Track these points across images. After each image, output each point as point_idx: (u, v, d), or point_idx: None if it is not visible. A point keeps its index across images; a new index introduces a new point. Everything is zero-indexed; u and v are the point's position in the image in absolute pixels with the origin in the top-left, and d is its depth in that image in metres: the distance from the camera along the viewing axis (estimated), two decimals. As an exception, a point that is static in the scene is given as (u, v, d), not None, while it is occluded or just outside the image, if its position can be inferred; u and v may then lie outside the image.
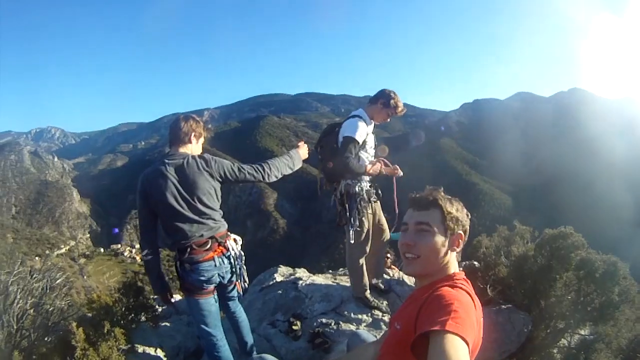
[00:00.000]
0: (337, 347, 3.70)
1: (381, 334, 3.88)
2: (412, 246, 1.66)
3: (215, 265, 2.90)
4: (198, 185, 2.84)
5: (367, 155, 4.07)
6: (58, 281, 3.85)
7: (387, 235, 4.42)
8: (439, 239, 1.63)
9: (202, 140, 3.12)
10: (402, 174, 4.26)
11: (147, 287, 3.82)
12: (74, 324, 2.52)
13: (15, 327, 3.10)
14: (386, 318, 4.28)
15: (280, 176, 3.23)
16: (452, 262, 1.68)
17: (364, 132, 3.91)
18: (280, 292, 4.79)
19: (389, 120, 4.10)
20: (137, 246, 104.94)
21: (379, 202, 4.27)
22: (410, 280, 5.32)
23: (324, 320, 4.15)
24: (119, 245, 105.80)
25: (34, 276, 3.68)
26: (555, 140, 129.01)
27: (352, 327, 4.03)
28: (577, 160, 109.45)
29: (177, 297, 3.39)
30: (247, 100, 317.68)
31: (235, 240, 3.11)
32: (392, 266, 5.53)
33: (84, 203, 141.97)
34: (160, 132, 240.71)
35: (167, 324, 4.32)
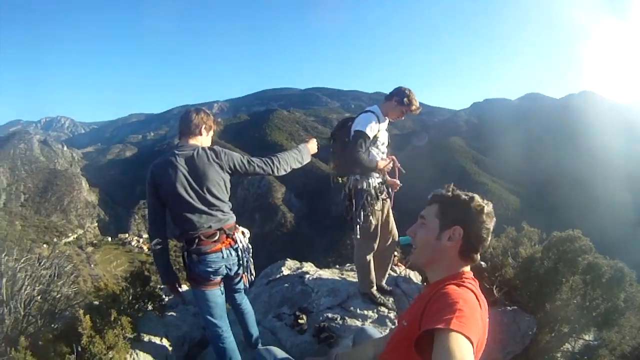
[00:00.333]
0: (342, 342, 3.69)
1: (387, 330, 3.89)
2: (413, 238, 1.77)
3: (223, 257, 2.90)
4: (208, 177, 2.84)
5: (378, 152, 4.05)
6: (66, 269, 3.87)
7: (395, 234, 4.40)
8: (431, 231, 1.69)
9: (211, 133, 3.13)
10: (399, 187, 4.26)
11: (154, 276, 3.84)
12: (81, 311, 2.53)
13: (22, 313, 3.12)
14: (392, 315, 4.28)
15: (289, 170, 3.23)
16: (458, 260, 1.67)
17: (376, 127, 3.89)
18: (286, 285, 4.81)
19: (403, 117, 4.07)
20: (145, 236, 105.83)
21: (389, 200, 4.25)
22: (416, 278, 5.32)
23: (329, 315, 4.15)
24: (127, 235, 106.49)
25: (42, 263, 3.71)
26: (564, 142, 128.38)
27: (358, 323, 4.04)
28: (585, 163, 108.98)
29: (184, 287, 3.39)
30: (256, 94, 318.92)
31: (243, 232, 3.12)
32: (399, 263, 5.53)
33: (93, 192, 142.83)
34: (170, 124, 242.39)
35: (174, 314, 4.34)
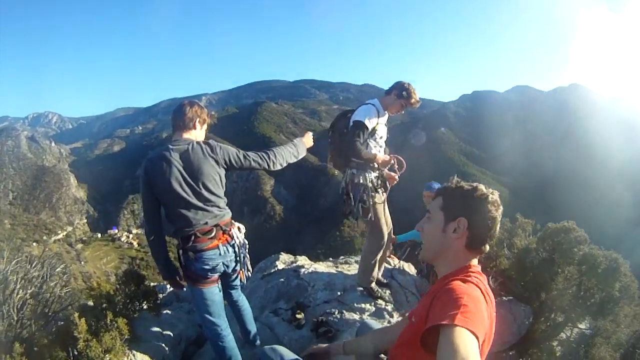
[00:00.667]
0: (341, 336, 3.68)
1: (385, 323, 3.90)
2: (421, 233, 1.81)
3: (220, 254, 2.85)
4: (203, 172, 2.78)
5: (376, 145, 4.04)
6: (57, 269, 3.81)
7: (391, 227, 4.36)
8: (435, 225, 1.71)
9: (205, 126, 3.07)
10: (396, 181, 4.23)
11: (145, 271, 3.79)
12: (76, 314, 2.48)
13: (15, 318, 3.06)
14: (390, 307, 4.28)
15: (285, 164, 3.18)
16: (465, 252, 1.67)
17: (375, 120, 3.90)
18: (282, 280, 4.77)
19: (402, 112, 4.08)
20: (135, 231, 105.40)
21: (386, 194, 4.21)
22: (411, 269, 5.33)
23: (327, 309, 4.13)
24: (116, 231, 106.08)
25: (33, 265, 3.64)
26: (552, 135, 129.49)
27: (356, 316, 4.03)
28: (575, 155, 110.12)
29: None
30: (245, 87, 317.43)
31: (239, 228, 3.07)
32: (392, 255, 5.53)
33: (81, 188, 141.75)
34: (158, 117, 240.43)
35: (169, 312, 4.29)
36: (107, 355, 2.51)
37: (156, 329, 3.62)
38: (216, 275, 2.93)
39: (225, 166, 2.92)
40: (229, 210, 3.00)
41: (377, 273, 4.51)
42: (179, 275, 2.98)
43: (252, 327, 3.47)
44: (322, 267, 5.22)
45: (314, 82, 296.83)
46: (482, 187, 1.68)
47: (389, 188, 4.21)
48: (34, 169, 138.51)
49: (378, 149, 4.06)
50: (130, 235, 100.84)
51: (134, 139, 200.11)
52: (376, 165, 4.01)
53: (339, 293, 4.43)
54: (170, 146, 2.80)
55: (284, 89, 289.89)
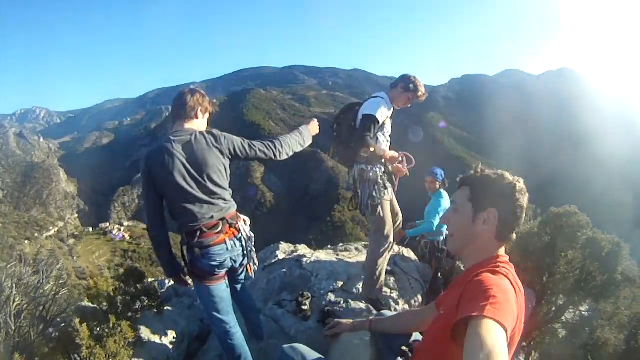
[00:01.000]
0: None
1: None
2: (448, 225, 1.76)
3: (227, 249, 2.73)
4: (208, 163, 2.65)
5: (384, 139, 3.94)
6: (54, 273, 3.70)
7: (400, 217, 4.30)
8: (464, 216, 1.67)
9: (207, 115, 2.94)
10: (407, 173, 4.08)
11: (138, 264, 3.68)
12: (77, 320, 2.37)
13: (13, 327, 2.94)
14: (395, 295, 4.26)
15: (291, 153, 3.07)
16: (494, 242, 1.63)
17: (386, 113, 3.79)
18: (284, 270, 4.70)
19: (409, 105, 3.97)
20: (126, 224, 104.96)
21: (395, 190, 4.11)
22: (411, 255, 5.31)
23: (332, 299, 4.08)
24: (108, 224, 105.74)
25: (28, 266, 3.53)
26: (543, 118, 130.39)
27: (362, 305, 3.99)
28: (564, 138, 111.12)
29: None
30: (233, 74, 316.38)
31: (244, 220, 2.95)
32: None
33: (71, 183, 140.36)
34: (146, 108, 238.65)
35: (169, 308, 4.22)
36: (111, 360, 2.41)
37: (159, 328, 3.54)
38: (224, 272, 2.82)
39: (230, 156, 2.80)
40: (234, 203, 2.88)
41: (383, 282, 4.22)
42: (183, 272, 2.87)
43: (258, 321, 3.40)
44: (323, 255, 5.18)
45: (302, 67, 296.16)
46: (508, 174, 1.64)
47: (396, 184, 4.12)
48: (23, 166, 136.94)
49: (386, 143, 3.97)
50: (122, 228, 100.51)
51: (123, 131, 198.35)
52: (384, 161, 3.91)
53: (343, 282, 4.37)
54: (172, 137, 2.66)
55: (272, 75, 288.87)
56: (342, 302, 4.01)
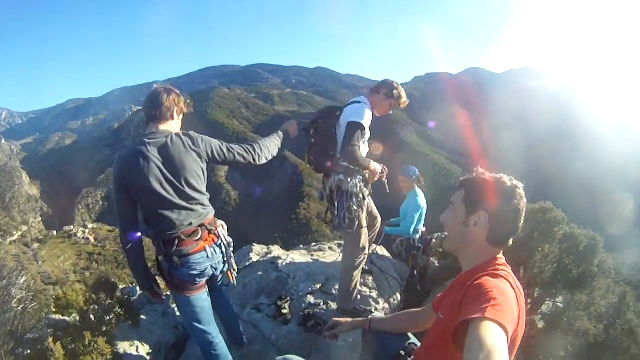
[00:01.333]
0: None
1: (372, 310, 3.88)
2: (445, 224, 1.78)
3: (208, 257, 2.60)
4: (185, 167, 2.49)
5: (365, 148, 3.67)
6: (20, 283, 3.49)
7: (379, 219, 4.15)
8: (457, 217, 1.69)
9: (182, 116, 2.77)
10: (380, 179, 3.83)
11: (103, 267, 3.52)
12: (50, 339, 2.23)
13: (-18, 348, 2.72)
14: (374, 294, 4.23)
15: (270, 157, 2.99)
16: (487, 246, 1.63)
17: (369, 120, 3.55)
18: (260, 273, 4.60)
19: (391, 112, 3.79)
20: (90, 226, 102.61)
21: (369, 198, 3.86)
22: (384, 252, 5.31)
23: (312, 301, 4.02)
24: (72, 227, 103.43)
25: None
26: (503, 115, 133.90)
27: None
28: (525, 134, 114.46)
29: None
30: (196, 73, 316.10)
31: (222, 226, 2.81)
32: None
33: (34, 185, 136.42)
34: (109, 108, 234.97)
35: (143, 317, 4.03)
36: (87, 380, 2.28)
37: (134, 339, 3.40)
38: (204, 280, 2.70)
39: (207, 160, 2.65)
40: (212, 208, 2.74)
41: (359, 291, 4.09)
42: (157, 285, 2.70)
43: (238, 327, 3.32)
44: (297, 256, 5.10)
45: (266, 66, 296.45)
46: (505, 178, 1.63)
47: (370, 188, 3.81)
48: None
49: (366, 150, 3.69)
50: (87, 231, 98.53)
51: (85, 131, 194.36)
52: (365, 173, 3.67)
53: (321, 283, 4.31)
54: (147, 140, 2.47)
55: (236, 73, 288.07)
56: (322, 304, 3.95)
